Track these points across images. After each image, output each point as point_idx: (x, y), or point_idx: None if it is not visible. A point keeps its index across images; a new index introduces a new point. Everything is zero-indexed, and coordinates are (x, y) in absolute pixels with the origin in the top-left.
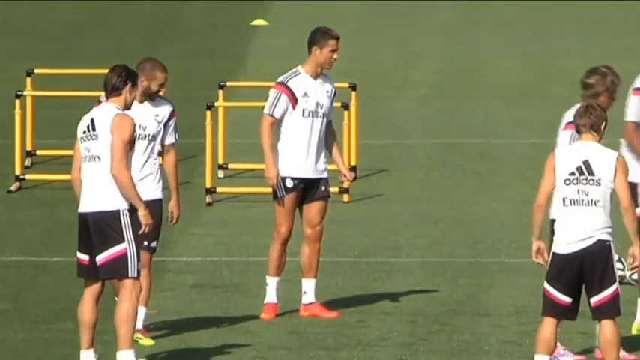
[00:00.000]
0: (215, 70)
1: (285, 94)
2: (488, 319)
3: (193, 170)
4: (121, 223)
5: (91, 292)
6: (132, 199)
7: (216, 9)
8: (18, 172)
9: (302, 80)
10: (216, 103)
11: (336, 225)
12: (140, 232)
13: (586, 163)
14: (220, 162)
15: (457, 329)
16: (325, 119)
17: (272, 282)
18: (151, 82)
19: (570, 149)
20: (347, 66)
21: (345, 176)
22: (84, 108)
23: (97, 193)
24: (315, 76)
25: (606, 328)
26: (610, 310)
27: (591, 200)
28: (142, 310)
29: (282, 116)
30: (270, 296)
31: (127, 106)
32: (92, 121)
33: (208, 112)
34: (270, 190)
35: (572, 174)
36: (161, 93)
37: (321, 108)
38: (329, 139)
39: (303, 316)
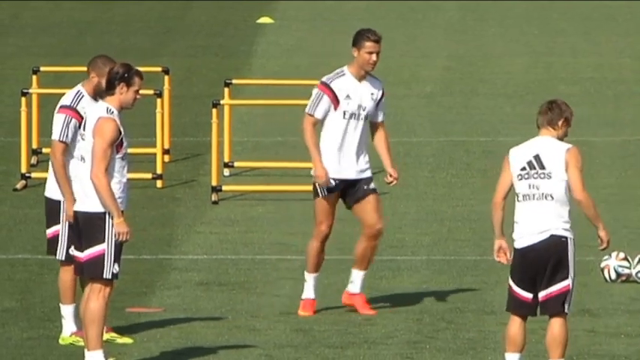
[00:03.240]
0: (221, 68)
1: (327, 94)
2: (494, 317)
3: (199, 168)
4: (105, 223)
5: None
6: (107, 204)
7: (222, 7)
8: (24, 169)
9: (345, 82)
10: (222, 101)
11: (342, 223)
12: (116, 239)
13: (537, 157)
14: (226, 160)
15: (463, 327)
16: (367, 121)
17: (310, 278)
18: (102, 79)
19: (524, 145)
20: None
21: (390, 175)
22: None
23: (85, 193)
24: (360, 78)
25: (554, 325)
26: (555, 306)
27: (542, 194)
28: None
29: (324, 117)
30: (309, 292)
31: (125, 107)
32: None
33: (214, 110)
34: (277, 188)
35: (524, 169)
36: None
37: (363, 110)
38: (378, 138)
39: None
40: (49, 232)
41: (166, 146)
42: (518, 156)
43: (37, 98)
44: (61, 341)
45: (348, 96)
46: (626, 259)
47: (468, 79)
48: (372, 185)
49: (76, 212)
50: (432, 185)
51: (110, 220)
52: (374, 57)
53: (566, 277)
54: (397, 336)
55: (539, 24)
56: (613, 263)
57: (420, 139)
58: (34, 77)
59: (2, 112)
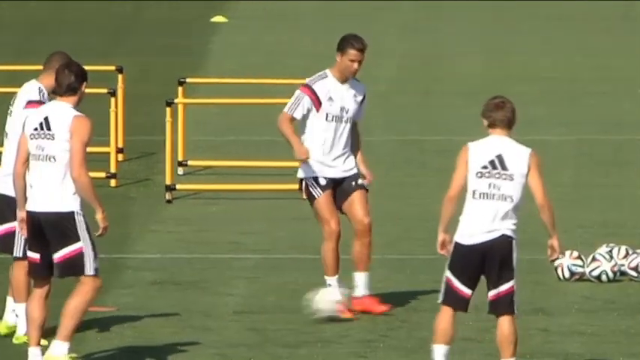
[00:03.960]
0: (175, 67)
1: (308, 96)
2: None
3: (153, 167)
4: (76, 222)
5: (40, 291)
6: (91, 201)
7: (176, 6)
8: None
9: (328, 84)
10: (175, 100)
11: (297, 222)
12: (98, 234)
13: (499, 157)
14: (180, 159)
15: (417, 326)
16: (350, 123)
17: (333, 282)
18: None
19: (484, 142)
20: (307, 63)
21: (364, 177)
22: None
23: (52, 193)
24: (343, 80)
25: (504, 325)
26: (504, 305)
27: (502, 195)
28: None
29: (303, 118)
30: (343, 293)
31: (79, 104)
32: (46, 119)
33: (168, 109)
34: (232, 187)
35: (485, 167)
36: None
37: (347, 112)
38: (353, 138)
39: (258, 315)
40: (1, 229)
41: (120, 145)
42: (479, 153)
43: None
44: (15, 340)
45: (330, 98)
46: (579, 257)
47: (423, 78)
48: (359, 181)
49: (35, 213)
50: (386, 185)
51: (81, 217)
52: (355, 65)
53: (512, 278)
54: (351, 335)
55: (494, 22)
56: (567, 262)
57: (375, 139)
58: None
59: None
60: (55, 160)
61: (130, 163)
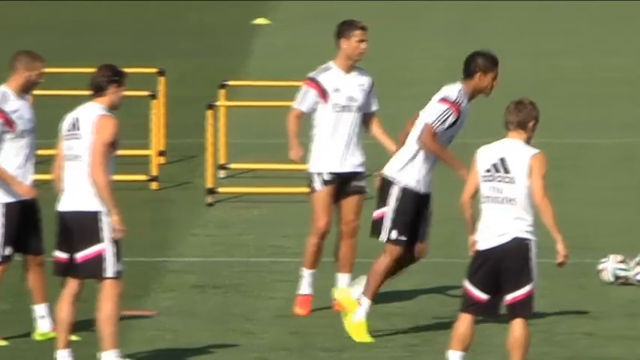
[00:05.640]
0: (216, 69)
1: (313, 89)
2: (493, 320)
3: (194, 170)
4: (99, 223)
5: (69, 291)
6: (106, 202)
7: (217, 7)
8: None
9: (333, 75)
10: (217, 103)
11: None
12: (112, 237)
13: (502, 160)
14: (221, 162)
15: None
16: (359, 113)
17: (307, 274)
18: (32, 73)
19: (491, 146)
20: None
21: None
22: (75, 107)
23: (79, 192)
24: (347, 70)
25: (516, 328)
26: (523, 309)
27: (505, 198)
28: None
29: (311, 111)
30: (305, 288)
31: (113, 107)
32: (77, 119)
33: (209, 112)
34: (273, 190)
35: (488, 171)
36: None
37: (354, 102)
38: (375, 128)
39: (304, 316)
40: None
41: (161, 148)
42: (485, 157)
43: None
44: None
45: (337, 89)
46: (624, 261)
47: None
48: (362, 182)
49: (63, 213)
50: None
51: (106, 218)
52: (363, 45)
53: (530, 281)
54: (395, 339)
55: (540, 23)
56: (611, 266)
57: None
58: None
59: None
60: (80, 159)
61: (171, 166)
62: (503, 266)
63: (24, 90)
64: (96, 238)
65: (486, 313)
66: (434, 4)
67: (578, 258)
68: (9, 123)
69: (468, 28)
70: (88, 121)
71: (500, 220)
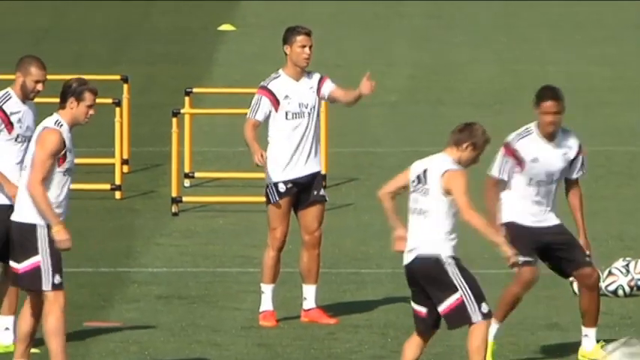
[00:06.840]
0: (181, 76)
1: (266, 97)
2: (460, 331)
3: (159, 179)
4: (37, 235)
5: (28, 302)
6: (44, 214)
7: (182, 14)
8: None
9: (282, 83)
10: (182, 110)
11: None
12: (54, 249)
13: (425, 171)
14: (186, 170)
15: (430, 342)
16: (312, 118)
17: (267, 289)
18: (27, 78)
19: (424, 159)
20: (317, 71)
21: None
22: (46, 114)
23: (20, 204)
24: (297, 77)
25: (470, 336)
26: (458, 318)
27: (420, 209)
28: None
29: (266, 119)
30: (267, 304)
31: (74, 121)
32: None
33: (174, 119)
34: (239, 199)
35: (414, 182)
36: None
37: (306, 107)
38: (345, 95)
39: (272, 327)
40: None
41: (125, 156)
42: (415, 168)
43: None
44: None
45: (287, 96)
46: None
47: (434, 88)
48: (321, 192)
49: (12, 222)
50: (397, 197)
51: (43, 230)
52: (307, 50)
53: (456, 289)
54: (362, 351)
55: (505, 31)
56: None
57: (385, 150)
58: None
59: None
60: (26, 169)
61: (135, 175)
62: (422, 281)
63: (23, 95)
64: (32, 251)
65: (428, 327)
66: (400, 11)
67: (546, 269)
68: (6, 123)
69: (433, 34)
70: (38, 131)
71: (414, 234)
